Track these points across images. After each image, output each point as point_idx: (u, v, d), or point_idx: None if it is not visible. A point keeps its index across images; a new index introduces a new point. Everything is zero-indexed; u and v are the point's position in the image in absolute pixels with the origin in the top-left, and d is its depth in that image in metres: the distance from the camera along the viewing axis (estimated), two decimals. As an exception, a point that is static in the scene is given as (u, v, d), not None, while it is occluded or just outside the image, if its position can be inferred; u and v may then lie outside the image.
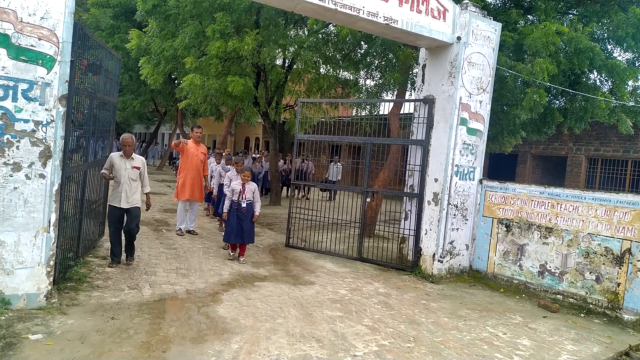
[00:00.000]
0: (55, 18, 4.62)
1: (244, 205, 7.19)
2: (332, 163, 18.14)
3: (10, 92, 4.46)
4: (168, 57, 12.81)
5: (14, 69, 4.45)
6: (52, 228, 4.71)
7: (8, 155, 4.46)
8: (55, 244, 4.79)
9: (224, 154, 11.24)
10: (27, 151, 4.54)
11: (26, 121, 4.53)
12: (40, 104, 4.59)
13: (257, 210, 7.40)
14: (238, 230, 7.22)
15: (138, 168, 6.30)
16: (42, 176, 4.62)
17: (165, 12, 12.47)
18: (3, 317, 4.31)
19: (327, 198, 16.98)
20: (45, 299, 4.68)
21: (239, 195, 7.23)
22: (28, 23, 4.50)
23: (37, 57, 4.55)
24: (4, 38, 4.40)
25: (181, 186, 8.75)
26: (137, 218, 6.32)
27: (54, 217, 4.72)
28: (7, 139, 4.45)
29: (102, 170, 6.20)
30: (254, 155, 19.72)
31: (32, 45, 4.52)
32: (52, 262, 4.76)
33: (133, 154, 6.30)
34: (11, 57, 4.44)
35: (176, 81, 19.91)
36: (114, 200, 6.20)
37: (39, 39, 4.55)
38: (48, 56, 4.61)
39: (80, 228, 6.07)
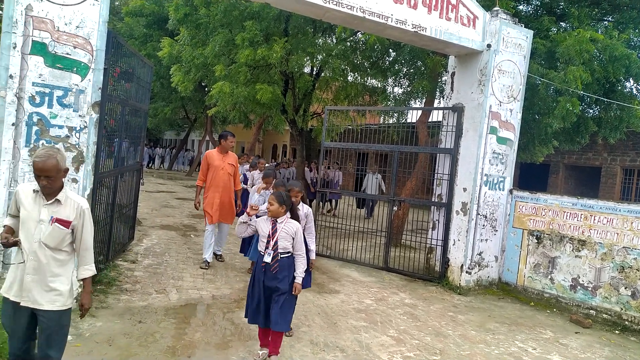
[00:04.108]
0: (90, 27, 4.75)
1: (267, 259, 4.05)
2: (371, 173, 14.66)
3: (46, 98, 4.59)
4: (198, 65, 13.03)
5: (50, 76, 4.59)
6: (83, 232, 4.80)
7: (43, 160, 4.58)
8: (85, 247, 4.88)
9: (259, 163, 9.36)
10: (60, 156, 4.65)
11: (60, 127, 4.66)
12: (74, 111, 4.71)
13: (300, 272, 4.14)
14: (260, 305, 4.10)
15: (67, 223, 2.94)
16: (74, 181, 4.73)
17: (196, 20, 12.69)
18: (35, 318, 4.39)
19: (365, 216, 13.92)
20: (75, 301, 4.76)
21: (267, 242, 4.11)
22: (64, 32, 4.63)
23: (72, 64, 4.68)
24: (41, 46, 4.55)
25: (206, 206, 7.12)
26: (60, 335, 3.09)
27: (85, 221, 4.81)
28: (42, 144, 4.58)
29: (4, 223, 3.11)
30: (277, 162, 19.60)
31: (67, 54, 4.65)
32: (82, 265, 4.84)
33: (64, 190, 2.97)
34: (48, 65, 4.58)
35: (206, 88, 20.23)
36: (9, 288, 2.98)
37: (74, 47, 4.68)
38: (82, 64, 4.73)
39: (110, 232, 6.19)
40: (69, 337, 4.08)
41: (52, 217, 2.91)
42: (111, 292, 5.39)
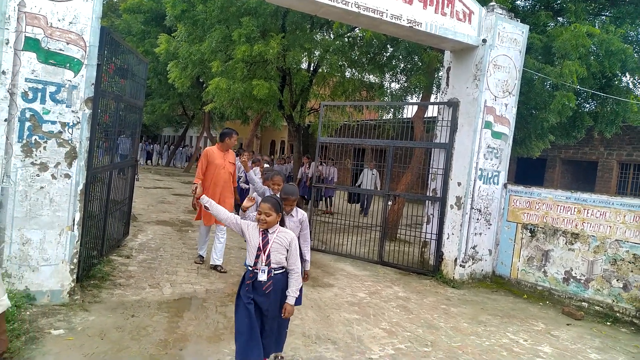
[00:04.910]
0: (83, 23, 4.76)
1: (262, 278, 3.45)
2: (367, 169, 14.24)
3: (39, 94, 4.60)
4: (195, 61, 13.03)
5: (43, 72, 4.60)
6: (76, 227, 4.84)
7: (35, 155, 4.61)
8: (79, 242, 4.92)
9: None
10: (53, 152, 4.68)
11: (53, 123, 4.68)
12: (67, 106, 4.73)
13: (293, 290, 3.55)
14: (253, 332, 3.44)
15: None
16: (67, 176, 4.75)
17: (193, 17, 12.69)
18: (27, 312, 4.44)
19: (360, 211, 13.78)
20: (68, 295, 4.81)
21: (256, 257, 3.49)
22: (57, 28, 4.64)
23: (65, 60, 4.69)
24: (34, 42, 4.56)
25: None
26: None
27: (78, 216, 4.85)
28: (35, 139, 4.61)
29: None
30: (271, 158, 19.42)
31: (60, 49, 4.67)
32: (75, 260, 4.89)
33: None
34: (40, 61, 4.59)
35: (204, 85, 20.25)
36: None
37: (67, 43, 4.70)
38: (75, 60, 4.74)
39: (105, 227, 6.22)
40: (61, 331, 4.14)
41: None
42: (105, 287, 5.42)
